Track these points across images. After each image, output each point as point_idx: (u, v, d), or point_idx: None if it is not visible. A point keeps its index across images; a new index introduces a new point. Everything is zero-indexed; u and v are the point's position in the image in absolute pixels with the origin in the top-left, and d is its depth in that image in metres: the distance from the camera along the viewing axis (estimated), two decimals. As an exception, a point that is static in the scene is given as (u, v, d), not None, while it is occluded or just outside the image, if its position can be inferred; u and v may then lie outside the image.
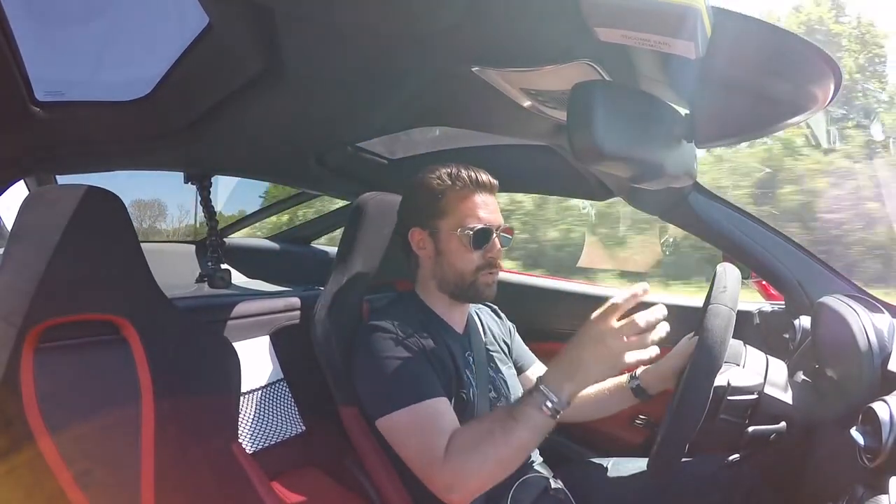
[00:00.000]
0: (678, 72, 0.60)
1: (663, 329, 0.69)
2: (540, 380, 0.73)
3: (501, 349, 1.04)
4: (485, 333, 1.02)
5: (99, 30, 0.76)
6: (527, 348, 1.12)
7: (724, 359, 0.71)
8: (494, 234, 0.89)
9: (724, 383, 0.76)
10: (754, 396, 0.77)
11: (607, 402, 1.01)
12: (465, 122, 1.08)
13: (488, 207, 0.90)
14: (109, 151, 0.91)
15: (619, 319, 0.70)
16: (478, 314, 1.06)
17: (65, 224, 0.70)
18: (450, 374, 0.87)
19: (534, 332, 1.18)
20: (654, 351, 0.70)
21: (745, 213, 1.10)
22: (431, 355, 0.86)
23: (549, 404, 0.70)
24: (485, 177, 0.90)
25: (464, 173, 0.89)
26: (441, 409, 0.80)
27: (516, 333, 1.12)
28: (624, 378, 0.99)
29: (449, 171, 0.89)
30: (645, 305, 0.69)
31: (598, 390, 1.02)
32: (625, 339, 0.68)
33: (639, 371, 0.98)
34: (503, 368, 1.00)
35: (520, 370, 1.07)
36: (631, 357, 0.69)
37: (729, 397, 0.76)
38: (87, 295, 0.73)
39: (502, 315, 1.13)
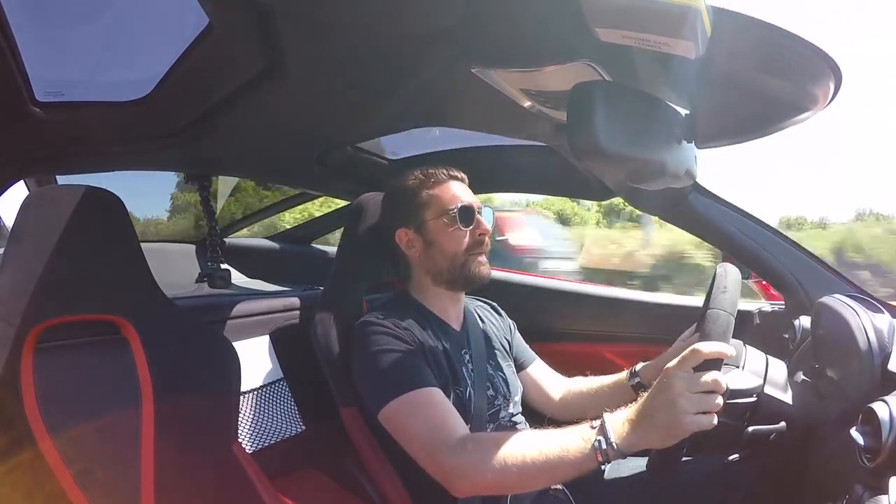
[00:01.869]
0: (678, 72, 0.60)
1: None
2: (605, 417, 0.68)
3: (502, 346, 1.04)
4: (485, 331, 1.02)
5: (99, 30, 0.76)
6: (527, 346, 1.12)
7: (723, 362, 0.71)
8: (477, 213, 0.92)
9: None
10: (753, 399, 0.76)
11: (608, 399, 1.00)
12: (465, 122, 1.08)
13: (465, 192, 0.94)
14: (109, 151, 0.90)
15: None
16: (477, 311, 1.06)
17: (64, 224, 0.70)
18: (445, 373, 0.88)
19: (534, 331, 1.18)
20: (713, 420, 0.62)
21: (744, 213, 1.10)
22: (427, 351, 0.86)
23: (604, 445, 0.64)
24: (455, 171, 0.96)
25: (435, 169, 0.94)
26: (439, 397, 0.81)
27: (516, 331, 1.12)
28: (624, 374, 0.99)
29: (420, 170, 0.95)
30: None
31: (599, 386, 1.02)
32: (693, 394, 0.62)
33: (639, 367, 0.98)
34: (503, 366, 1.00)
35: (520, 367, 1.08)
36: (694, 418, 0.61)
37: (727, 400, 0.76)
38: (87, 295, 0.73)
39: (502, 312, 1.13)
